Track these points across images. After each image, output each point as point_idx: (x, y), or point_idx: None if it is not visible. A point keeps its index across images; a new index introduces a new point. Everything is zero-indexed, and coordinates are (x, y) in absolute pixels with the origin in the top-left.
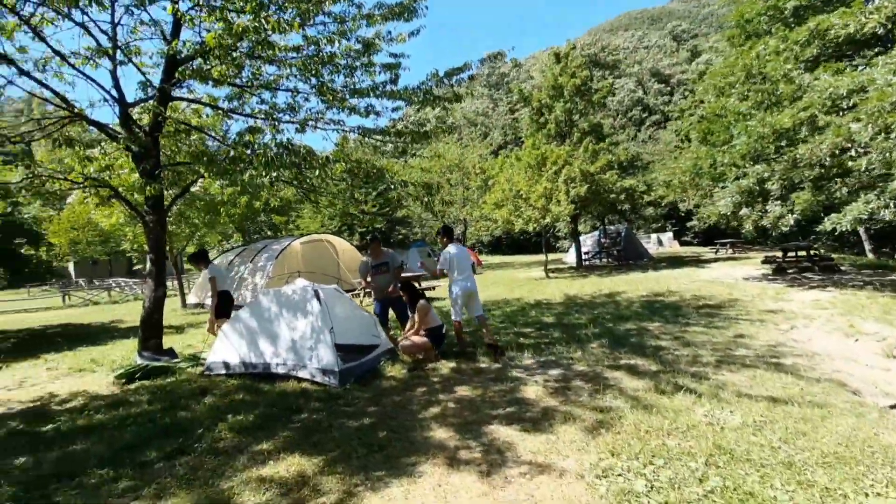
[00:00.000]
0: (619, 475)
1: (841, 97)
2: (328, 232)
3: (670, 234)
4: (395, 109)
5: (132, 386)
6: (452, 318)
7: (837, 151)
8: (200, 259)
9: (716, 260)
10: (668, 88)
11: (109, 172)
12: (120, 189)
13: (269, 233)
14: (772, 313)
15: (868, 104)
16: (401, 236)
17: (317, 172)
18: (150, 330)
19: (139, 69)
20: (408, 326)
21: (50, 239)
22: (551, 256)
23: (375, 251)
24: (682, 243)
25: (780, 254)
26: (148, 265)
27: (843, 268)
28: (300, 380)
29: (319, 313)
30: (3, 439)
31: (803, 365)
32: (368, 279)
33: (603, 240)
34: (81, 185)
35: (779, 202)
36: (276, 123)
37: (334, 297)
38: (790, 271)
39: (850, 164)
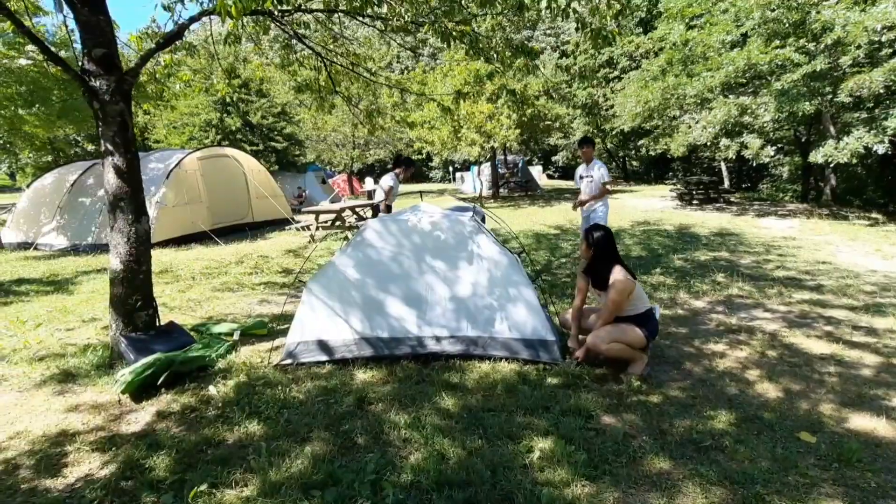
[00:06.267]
0: None
1: (875, 31)
2: (197, 146)
3: (539, 168)
4: None
5: (164, 399)
6: None
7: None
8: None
9: (613, 192)
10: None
11: None
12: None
13: (89, 147)
14: (786, 239)
15: None
16: (296, 157)
17: None
18: (136, 294)
19: None
20: (578, 303)
21: None
22: (426, 187)
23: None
24: (548, 177)
25: (681, 186)
26: (111, 176)
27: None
28: (487, 359)
29: (502, 254)
30: None
31: None
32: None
33: (502, 170)
34: None
35: (754, 134)
36: None
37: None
38: (695, 201)
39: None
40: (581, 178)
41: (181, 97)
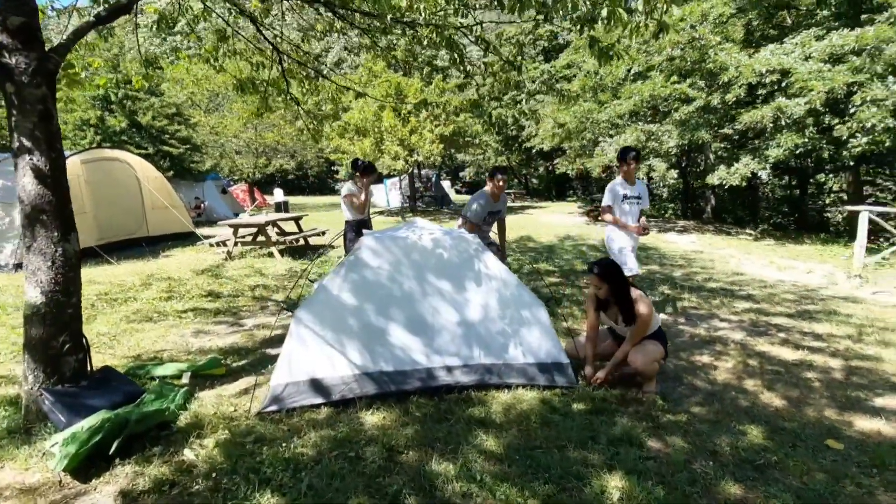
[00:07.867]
0: None
1: (762, 74)
2: (78, 149)
3: (448, 183)
4: None
5: (122, 473)
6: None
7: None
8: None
9: (521, 208)
10: None
11: None
12: None
13: None
14: (696, 253)
15: (811, 89)
16: (195, 164)
17: None
18: (62, 334)
19: None
20: (592, 332)
21: None
22: (329, 200)
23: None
24: (456, 192)
25: (586, 204)
26: (28, 181)
27: None
28: (506, 387)
29: (510, 273)
30: None
31: (827, 295)
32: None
33: (417, 184)
34: None
35: (659, 158)
36: None
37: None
38: (601, 218)
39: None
40: (626, 198)
41: (85, 87)
